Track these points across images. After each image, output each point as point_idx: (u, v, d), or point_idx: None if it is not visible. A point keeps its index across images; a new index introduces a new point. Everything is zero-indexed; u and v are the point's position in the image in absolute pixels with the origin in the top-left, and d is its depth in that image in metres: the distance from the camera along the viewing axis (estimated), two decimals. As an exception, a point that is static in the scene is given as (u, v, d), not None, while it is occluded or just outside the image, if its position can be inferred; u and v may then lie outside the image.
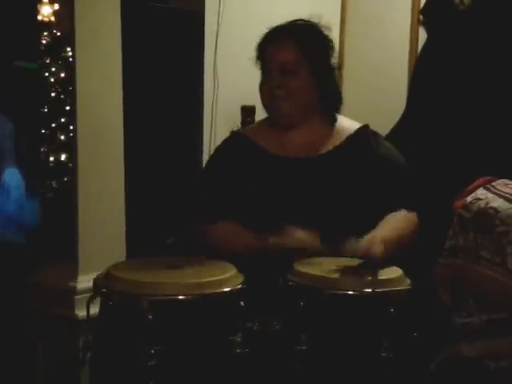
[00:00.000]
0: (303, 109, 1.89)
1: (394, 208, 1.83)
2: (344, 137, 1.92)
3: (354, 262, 1.63)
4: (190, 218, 1.94)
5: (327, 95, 1.93)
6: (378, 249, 1.61)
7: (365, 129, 1.95)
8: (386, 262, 1.63)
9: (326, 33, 1.94)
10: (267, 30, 1.94)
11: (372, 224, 1.73)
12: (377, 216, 1.77)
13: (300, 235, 1.76)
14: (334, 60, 1.95)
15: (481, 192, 1.83)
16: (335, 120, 1.97)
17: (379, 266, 1.60)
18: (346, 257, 1.64)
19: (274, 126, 1.94)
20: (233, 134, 2.04)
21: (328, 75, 1.92)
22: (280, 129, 1.93)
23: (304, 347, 1.46)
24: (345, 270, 1.56)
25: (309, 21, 1.94)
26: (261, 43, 1.93)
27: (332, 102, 1.96)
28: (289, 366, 1.50)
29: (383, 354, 1.45)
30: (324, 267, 1.58)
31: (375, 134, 1.96)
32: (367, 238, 1.65)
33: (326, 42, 1.94)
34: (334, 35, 3.33)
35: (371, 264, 1.59)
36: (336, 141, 1.91)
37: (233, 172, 1.91)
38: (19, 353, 2.58)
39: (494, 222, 1.73)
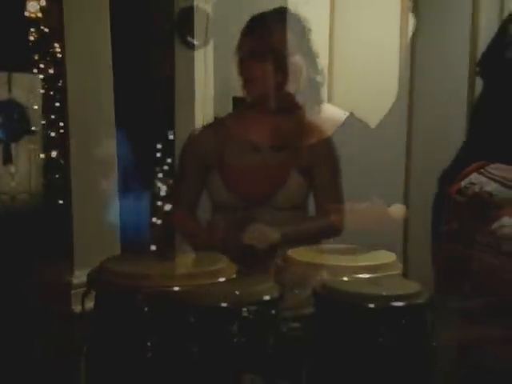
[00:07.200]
0: (297, 91, 1.88)
1: None
2: (334, 127, 1.92)
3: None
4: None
5: (315, 80, 1.93)
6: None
7: (352, 117, 1.97)
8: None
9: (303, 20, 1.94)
10: (249, 19, 1.92)
11: None
12: None
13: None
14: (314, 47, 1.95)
15: (475, 176, 1.83)
16: (321, 108, 1.96)
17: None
18: None
19: (269, 112, 1.89)
20: (215, 120, 2.04)
21: (314, 60, 1.93)
22: (273, 114, 1.89)
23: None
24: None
25: (285, 8, 1.93)
26: (246, 30, 1.91)
27: (317, 89, 1.96)
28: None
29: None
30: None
31: (362, 122, 1.99)
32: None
33: (307, 28, 1.94)
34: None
35: None
36: (325, 130, 1.91)
37: (206, 161, 1.90)
38: (18, 349, 2.58)
39: (488, 205, 1.73)
